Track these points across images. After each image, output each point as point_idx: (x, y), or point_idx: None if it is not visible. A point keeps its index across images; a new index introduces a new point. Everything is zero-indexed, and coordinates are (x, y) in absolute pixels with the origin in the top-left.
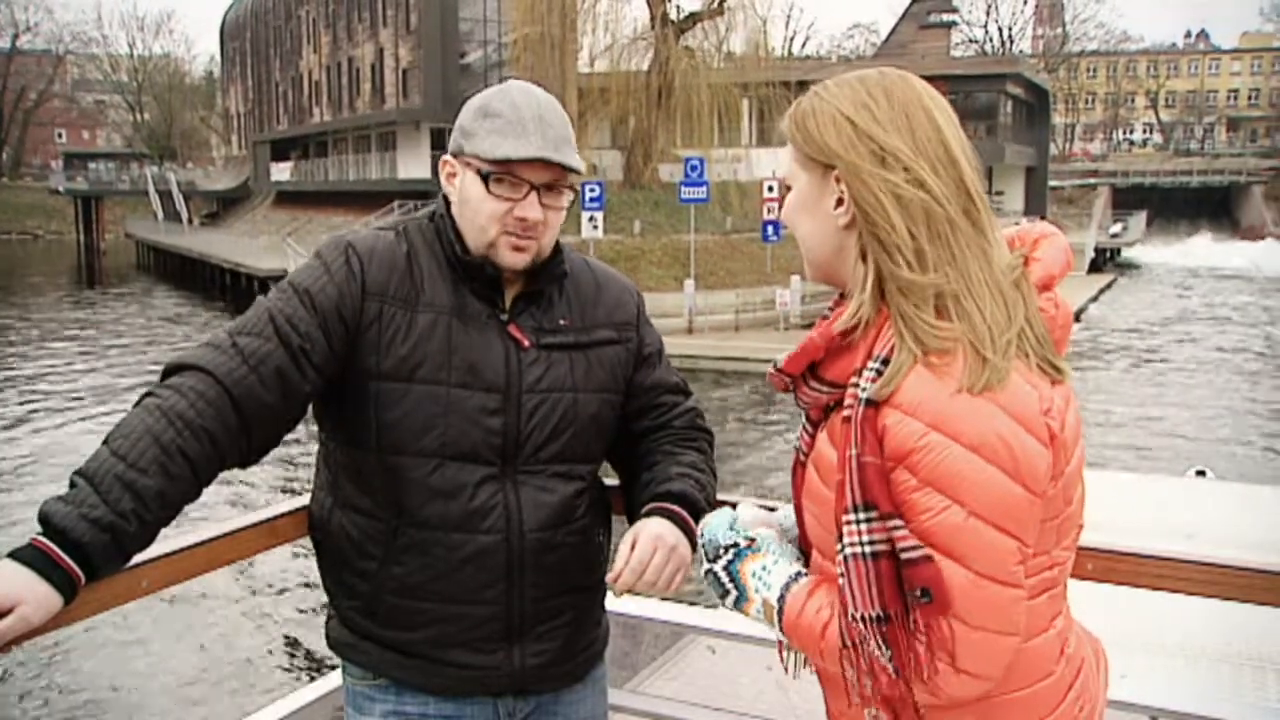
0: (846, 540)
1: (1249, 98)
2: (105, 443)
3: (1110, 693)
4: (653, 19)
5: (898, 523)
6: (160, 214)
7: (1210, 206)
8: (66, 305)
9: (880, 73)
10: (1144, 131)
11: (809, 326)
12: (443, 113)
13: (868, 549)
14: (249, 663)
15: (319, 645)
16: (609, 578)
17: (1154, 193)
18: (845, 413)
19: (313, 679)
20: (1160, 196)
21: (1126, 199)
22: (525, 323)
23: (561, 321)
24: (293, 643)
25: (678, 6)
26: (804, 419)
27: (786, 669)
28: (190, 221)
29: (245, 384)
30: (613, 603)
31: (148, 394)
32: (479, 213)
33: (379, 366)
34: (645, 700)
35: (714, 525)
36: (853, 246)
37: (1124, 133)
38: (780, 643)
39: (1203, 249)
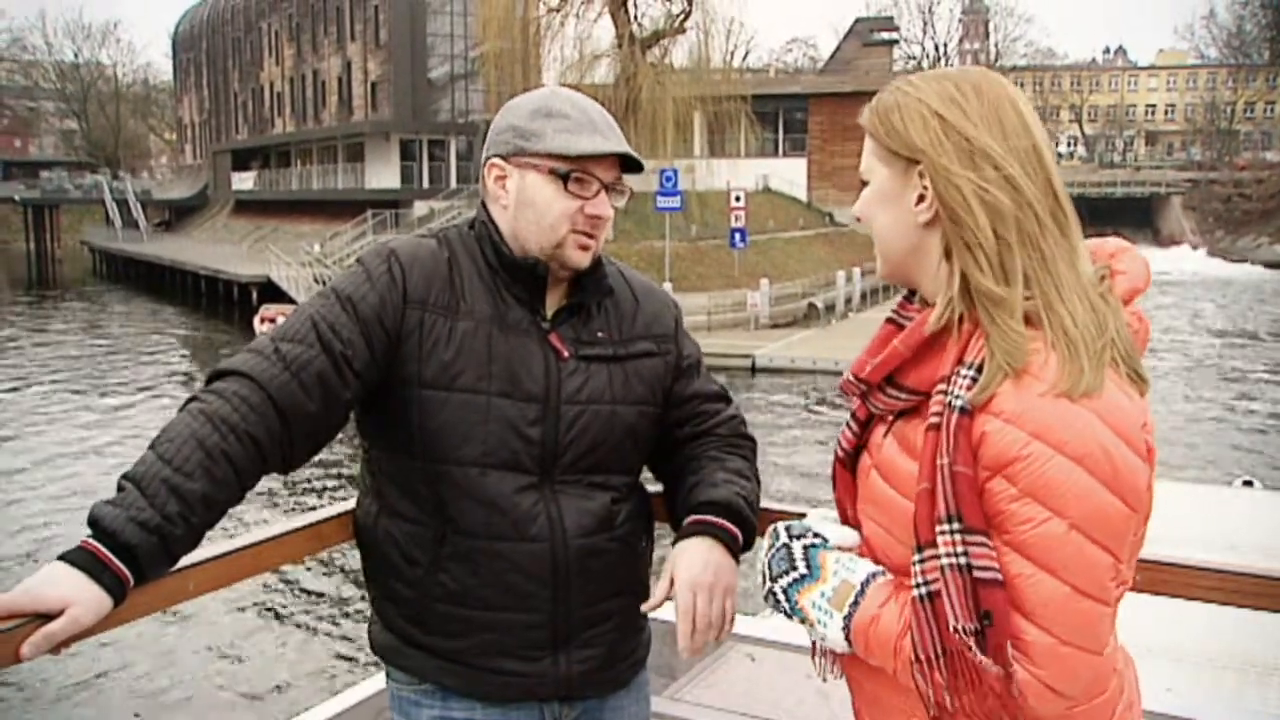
0: (943, 550)
1: (1165, 112)
2: (151, 447)
3: (1149, 704)
4: (619, 37)
5: (981, 539)
6: (119, 222)
7: (1133, 216)
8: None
9: (967, 70)
10: (1069, 144)
11: (777, 327)
12: (412, 124)
13: (964, 559)
14: (295, 662)
15: (363, 647)
16: (645, 606)
17: (1082, 202)
18: (932, 419)
19: (358, 681)
20: (1088, 206)
21: None
22: (565, 334)
23: (600, 334)
24: (339, 642)
25: (641, 26)
26: (850, 417)
27: (821, 675)
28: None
29: (287, 389)
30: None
31: (192, 399)
32: (549, 212)
33: (420, 374)
34: (685, 708)
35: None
36: (933, 245)
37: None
38: (814, 644)
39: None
